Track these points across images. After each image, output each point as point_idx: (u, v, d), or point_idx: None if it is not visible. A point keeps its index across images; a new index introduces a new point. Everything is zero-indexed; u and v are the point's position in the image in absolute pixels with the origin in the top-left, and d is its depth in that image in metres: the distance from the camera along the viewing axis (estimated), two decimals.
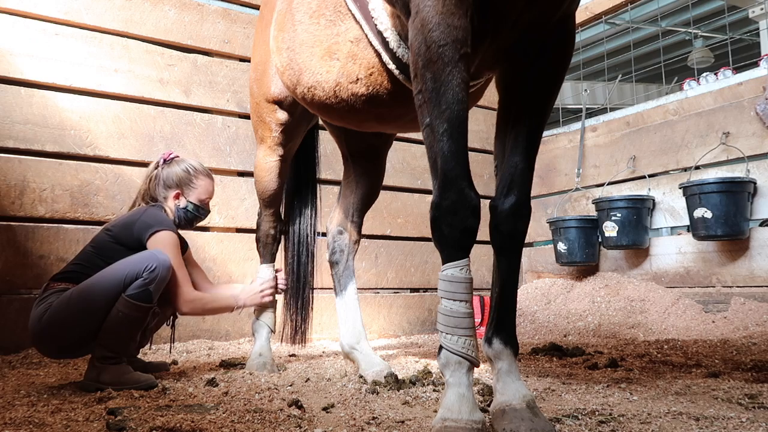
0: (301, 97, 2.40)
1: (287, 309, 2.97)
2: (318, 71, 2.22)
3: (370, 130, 2.57)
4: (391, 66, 1.97)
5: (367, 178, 2.91)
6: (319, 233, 3.08)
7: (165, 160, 2.63)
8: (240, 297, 2.64)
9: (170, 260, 2.27)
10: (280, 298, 3.00)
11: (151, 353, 3.16)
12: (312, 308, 2.99)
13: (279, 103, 2.71)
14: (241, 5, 4.36)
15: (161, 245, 2.34)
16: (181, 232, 2.60)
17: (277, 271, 2.92)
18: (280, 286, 2.89)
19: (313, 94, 2.29)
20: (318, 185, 3.12)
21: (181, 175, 2.59)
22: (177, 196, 2.59)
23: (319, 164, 3.17)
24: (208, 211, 2.71)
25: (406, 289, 4.77)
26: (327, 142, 3.84)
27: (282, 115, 2.74)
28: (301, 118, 2.80)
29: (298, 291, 2.94)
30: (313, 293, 3.00)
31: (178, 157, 2.68)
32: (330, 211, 3.01)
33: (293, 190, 3.05)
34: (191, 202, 2.61)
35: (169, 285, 2.33)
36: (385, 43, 1.94)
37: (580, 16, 5.23)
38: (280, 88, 2.66)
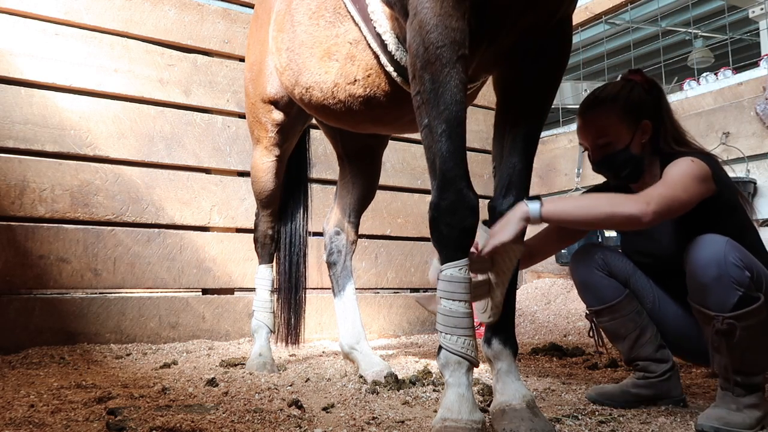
0: (299, 98, 2.40)
1: (280, 310, 2.96)
2: (316, 72, 2.22)
3: (365, 131, 2.57)
4: (389, 68, 1.97)
5: (363, 178, 2.91)
6: (310, 233, 3.07)
7: None
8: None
9: None
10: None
11: (151, 353, 3.16)
12: (305, 308, 2.98)
13: (275, 103, 2.71)
14: (241, 5, 4.36)
15: None
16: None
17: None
18: None
19: (311, 95, 2.29)
20: (310, 185, 3.11)
21: None
22: None
23: (313, 164, 3.17)
24: None
25: (406, 289, 4.77)
26: (327, 142, 3.83)
27: (278, 115, 2.74)
28: (297, 118, 2.80)
29: (291, 291, 2.93)
30: (305, 293, 3.00)
31: None
32: (329, 211, 3.01)
33: (285, 190, 3.04)
34: None
35: None
36: (383, 45, 1.94)
37: (580, 16, 5.23)
38: (276, 88, 2.66)
